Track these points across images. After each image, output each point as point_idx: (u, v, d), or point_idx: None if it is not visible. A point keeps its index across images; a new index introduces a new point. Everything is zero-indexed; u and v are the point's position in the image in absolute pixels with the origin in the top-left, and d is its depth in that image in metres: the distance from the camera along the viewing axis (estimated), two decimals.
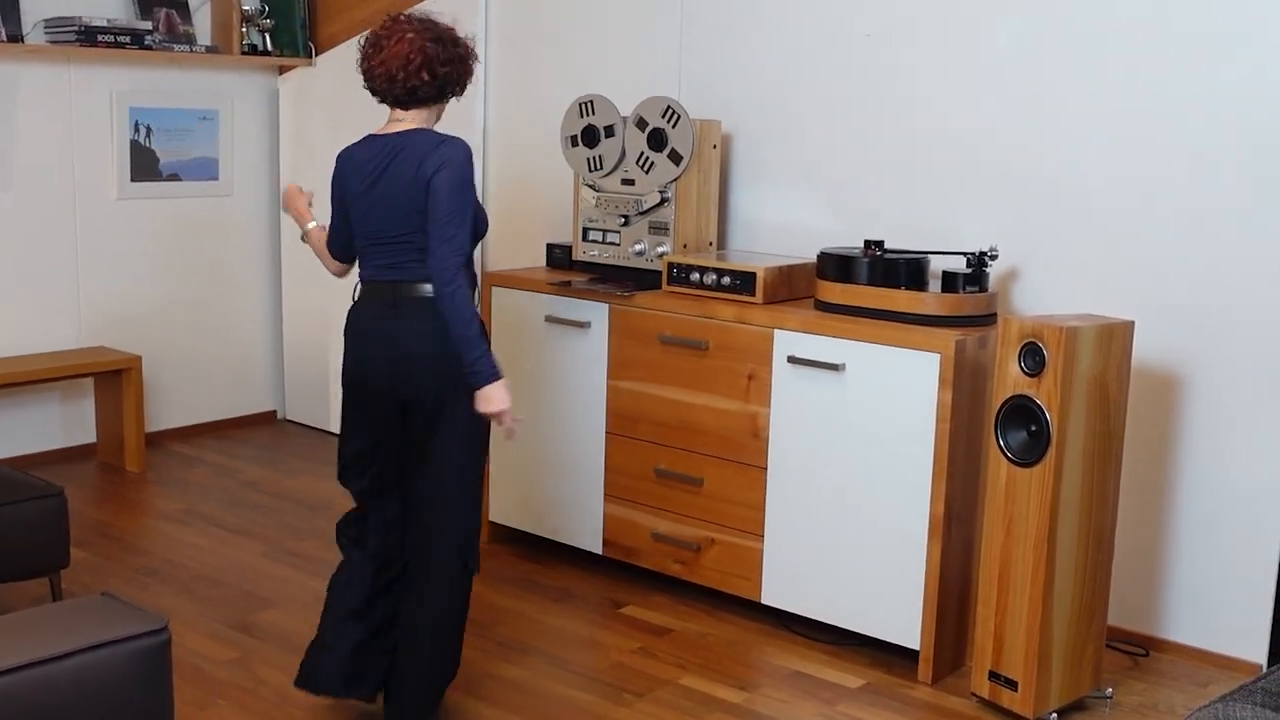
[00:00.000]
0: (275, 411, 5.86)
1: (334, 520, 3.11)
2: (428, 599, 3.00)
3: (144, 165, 5.22)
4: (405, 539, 3.07)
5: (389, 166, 2.92)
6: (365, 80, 3.00)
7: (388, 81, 2.94)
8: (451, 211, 2.84)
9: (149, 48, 4.97)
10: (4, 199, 4.84)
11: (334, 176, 3.06)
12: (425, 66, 2.92)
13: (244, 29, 5.29)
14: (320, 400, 5.65)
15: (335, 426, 5.70)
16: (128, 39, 4.90)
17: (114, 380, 5.00)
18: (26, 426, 5.04)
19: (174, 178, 5.34)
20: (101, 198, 5.12)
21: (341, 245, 3.10)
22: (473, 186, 2.92)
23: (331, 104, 5.40)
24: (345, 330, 3.03)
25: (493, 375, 2.83)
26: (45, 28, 4.81)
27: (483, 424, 2.97)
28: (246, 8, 5.31)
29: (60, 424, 5.15)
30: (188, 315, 5.46)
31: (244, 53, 5.30)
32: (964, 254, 3.45)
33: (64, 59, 4.91)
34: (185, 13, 5.20)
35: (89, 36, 4.77)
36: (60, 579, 3.59)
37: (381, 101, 3.02)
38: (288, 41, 5.39)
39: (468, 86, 3.08)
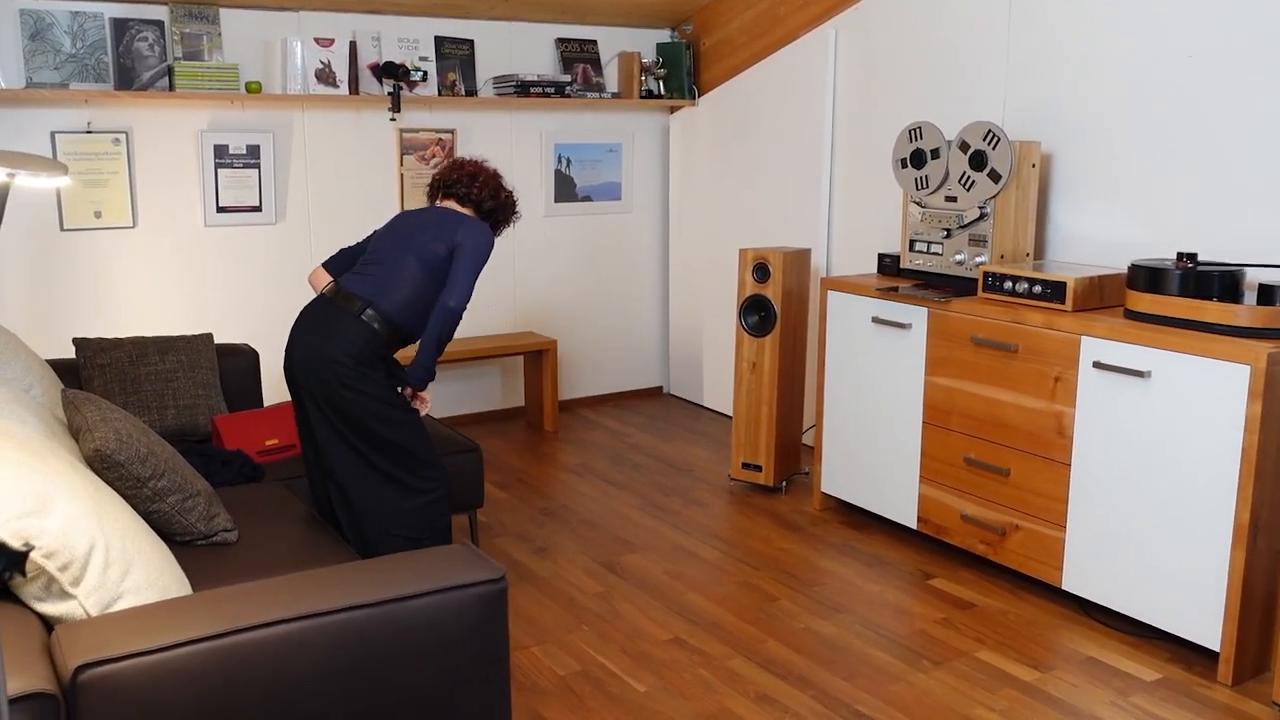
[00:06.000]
0: (661, 387, 5.90)
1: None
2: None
3: (565, 189, 5.40)
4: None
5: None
6: (446, 185, 3.15)
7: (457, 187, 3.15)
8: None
9: (569, 96, 5.11)
10: None
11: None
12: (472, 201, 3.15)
13: (642, 78, 5.32)
14: (696, 378, 5.63)
15: (709, 402, 5.74)
16: (553, 89, 5.05)
17: (537, 358, 5.21)
18: (475, 392, 5.36)
19: (587, 199, 5.47)
20: (533, 215, 5.33)
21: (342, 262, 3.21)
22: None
23: (710, 135, 5.33)
24: None
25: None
26: (493, 84, 5.06)
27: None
28: (645, 61, 5.34)
29: (499, 390, 5.43)
30: (595, 307, 5.61)
31: (642, 97, 5.33)
32: None
33: (506, 107, 5.14)
34: (597, 67, 5.30)
35: (524, 89, 4.97)
36: (476, 515, 3.72)
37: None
38: (676, 87, 5.38)
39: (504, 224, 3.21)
